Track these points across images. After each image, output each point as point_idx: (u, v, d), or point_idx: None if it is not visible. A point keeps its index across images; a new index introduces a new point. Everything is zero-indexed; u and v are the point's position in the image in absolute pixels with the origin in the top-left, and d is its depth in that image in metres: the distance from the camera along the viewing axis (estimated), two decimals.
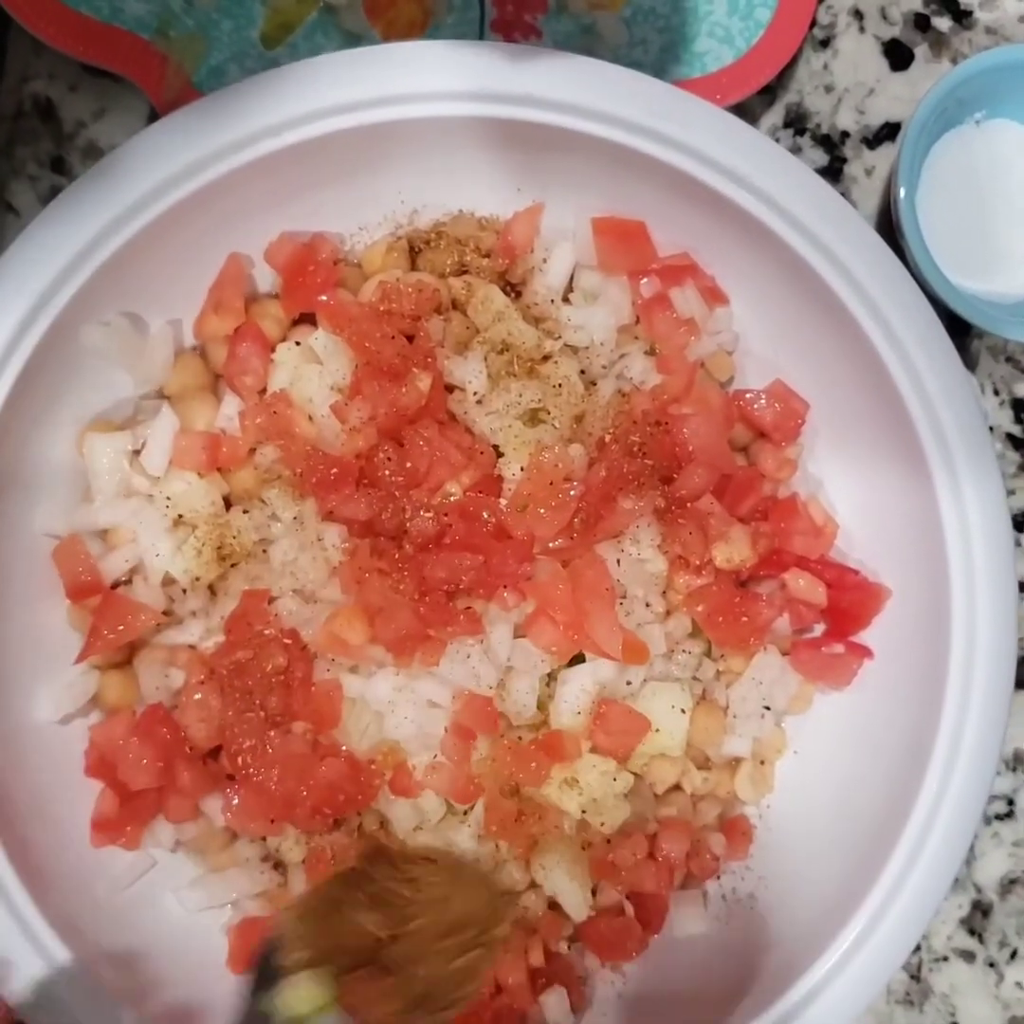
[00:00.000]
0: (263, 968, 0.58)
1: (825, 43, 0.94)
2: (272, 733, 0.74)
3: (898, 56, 0.95)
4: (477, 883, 0.66)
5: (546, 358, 0.79)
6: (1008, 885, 0.94)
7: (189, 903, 0.78)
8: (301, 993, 0.57)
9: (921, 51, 0.95)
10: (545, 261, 0.81)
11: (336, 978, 0.57)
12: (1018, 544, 0.88)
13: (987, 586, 0.74)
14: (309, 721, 0.75)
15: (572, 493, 0.76)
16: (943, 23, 0.95)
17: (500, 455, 0.78)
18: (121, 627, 0.74)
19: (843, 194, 0.86)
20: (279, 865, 0.79)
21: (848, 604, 0.81)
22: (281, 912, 0.65)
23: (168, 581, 0.77)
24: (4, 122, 0.89)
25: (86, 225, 0.71)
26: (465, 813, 0.77)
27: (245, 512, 0.77)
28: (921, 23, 0.95)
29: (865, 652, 0.81)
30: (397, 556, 0.75)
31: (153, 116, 0.88)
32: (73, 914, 0.72)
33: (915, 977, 0.93)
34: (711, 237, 0.79)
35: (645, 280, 0.80)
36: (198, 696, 0.75)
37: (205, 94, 0.74)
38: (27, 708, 0.76)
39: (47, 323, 0.71)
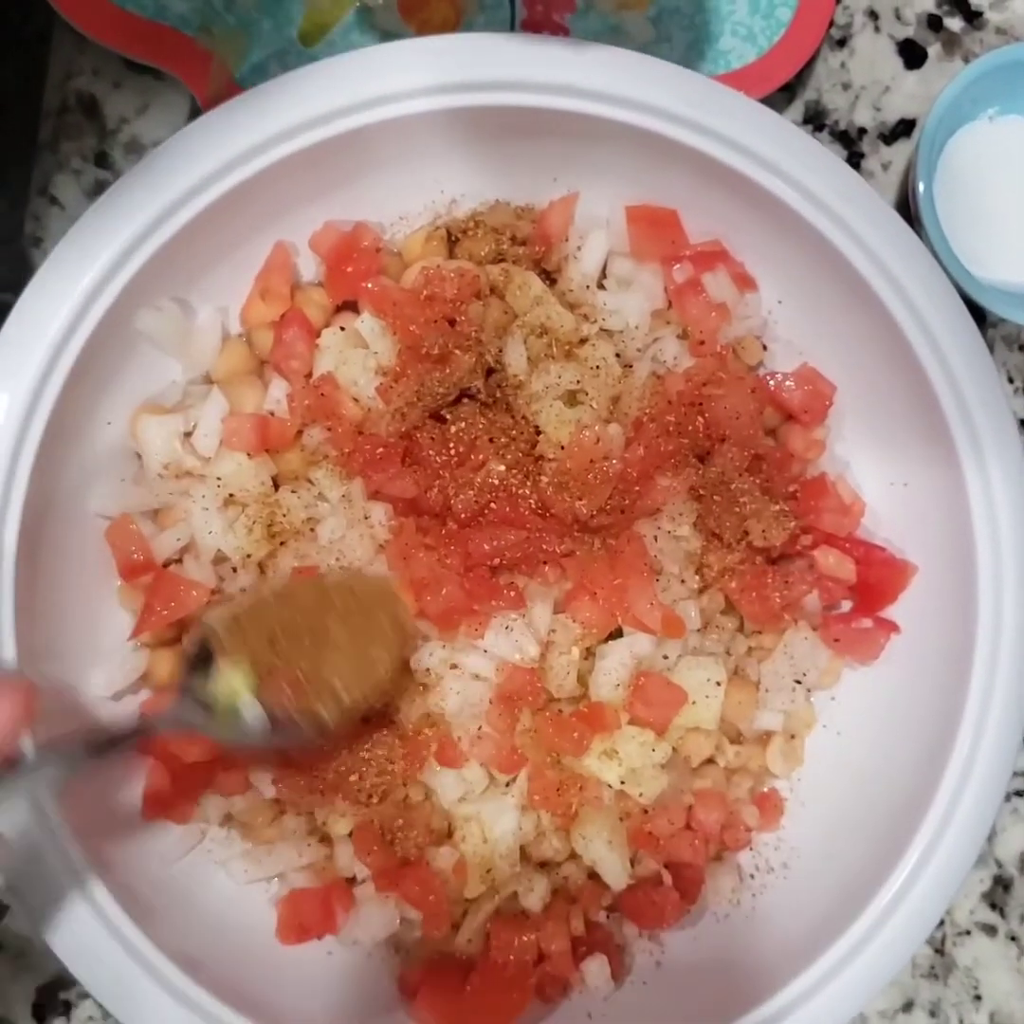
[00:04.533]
0: (197, 659, 0.69)
1: (842, 42, 0.97)
2: None
3: (912, 55, 0.97)
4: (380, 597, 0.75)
5: (583, 341, 0.81)
6: None
7: (238, 876, 0.79)
8: (229, 683, 0.68)
9: (934, 50, 0.98)
10: (580, 249, 0.83)
11: (257, 674, 0.68)
12: None
13: (1013, 562, 0.75)
14: None
15: (610, 470, 0.78)
16: (955, 23, 0.98)
17: (540, 434, 0.80)
18: (173, 604, 0.76)
19: None
20: (325, 838, 0.81)
21: (875, 580, 0.83)
22: (210, 611, 0.75)
23: (218, 559, 0.79)
24: (49, 118, 0.91)
25: (137, 216, 0.72)
26: (507, 784, 0.79)
27: (293, 492, 0.78)
28: (934, 23, 0.98)
29: (892, 627, 0.83)
30: (442, 533, 0.77)
31: (194, 112, 0.91)
32: (132, 888, 0.73)
33: (939, 950, 0.95)
34: (741, 224, 0.81)
35: (678, 266, 0.82)
36: None
37: (247, 89, 0.75)
38: (82, 685, 0.77)
39: (102, 310, 0.72)
